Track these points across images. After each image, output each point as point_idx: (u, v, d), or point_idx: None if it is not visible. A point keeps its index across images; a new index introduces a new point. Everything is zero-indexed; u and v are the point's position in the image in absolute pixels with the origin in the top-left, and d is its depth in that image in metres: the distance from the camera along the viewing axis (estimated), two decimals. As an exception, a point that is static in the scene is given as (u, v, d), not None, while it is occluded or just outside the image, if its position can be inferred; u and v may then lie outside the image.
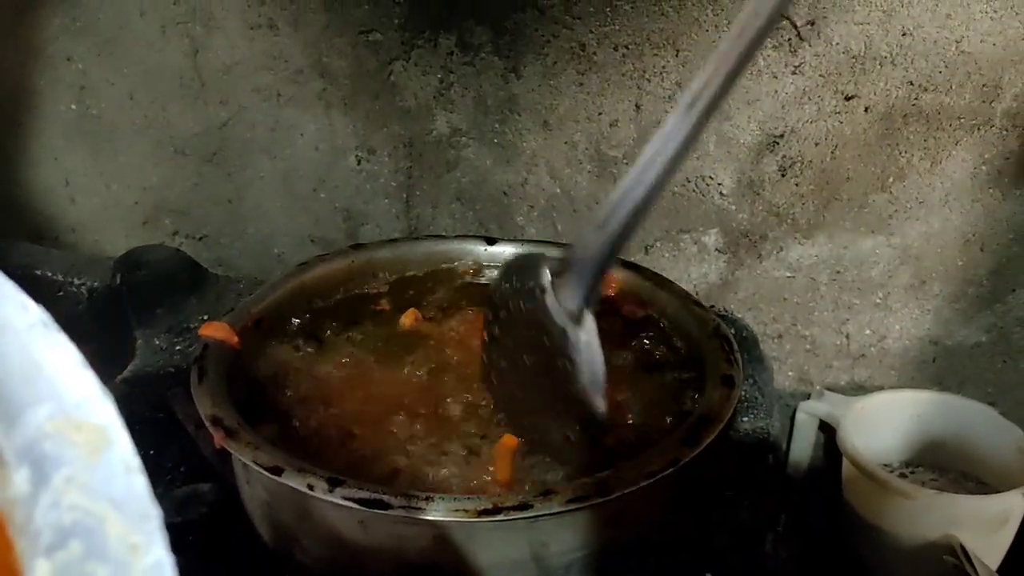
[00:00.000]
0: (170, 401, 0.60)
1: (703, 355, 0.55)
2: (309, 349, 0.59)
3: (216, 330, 0.55)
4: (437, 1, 0.79)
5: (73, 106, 0.91)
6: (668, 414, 0.53)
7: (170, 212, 0.95)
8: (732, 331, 0.64)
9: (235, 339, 0.56)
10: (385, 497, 0.44)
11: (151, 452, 0.56)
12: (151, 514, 0.18)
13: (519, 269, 0.49)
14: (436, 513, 0.43)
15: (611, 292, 0.64)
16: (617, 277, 0.64)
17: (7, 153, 0.95)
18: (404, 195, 0.87)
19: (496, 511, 0.43)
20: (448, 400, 0.54)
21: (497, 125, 0.82)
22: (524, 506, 0.44)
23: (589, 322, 0.45)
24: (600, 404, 0.45)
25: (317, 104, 0.86)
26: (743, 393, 0.63)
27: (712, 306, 0.78)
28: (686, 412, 0.52)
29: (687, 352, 0.57)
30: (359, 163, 0.87)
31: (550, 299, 0.46)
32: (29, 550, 0.17)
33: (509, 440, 0.49)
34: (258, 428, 0.49)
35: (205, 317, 0.71)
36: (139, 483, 0.18)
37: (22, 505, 0.17)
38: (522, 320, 0.48)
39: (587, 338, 0.45)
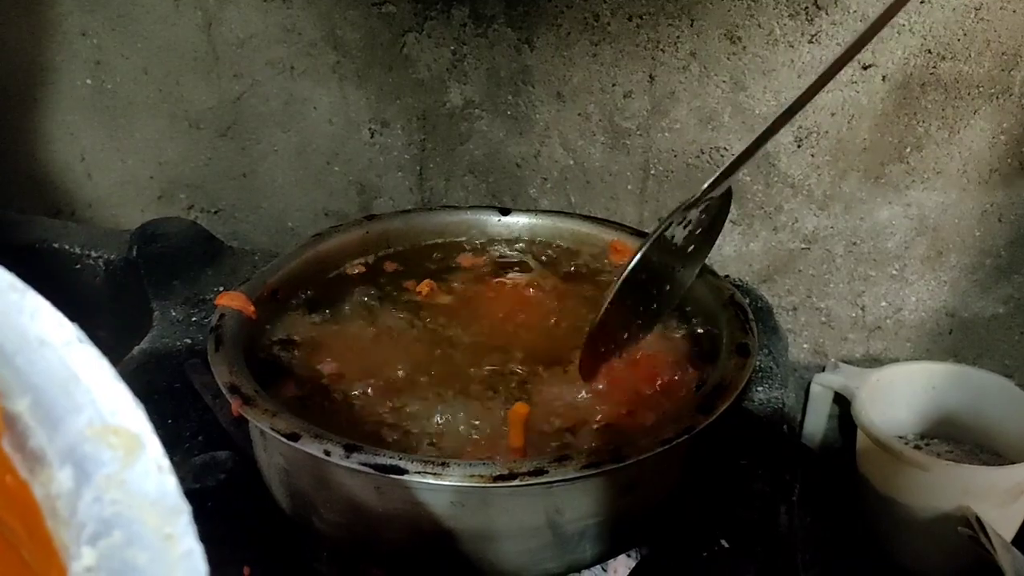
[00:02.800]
0: (187, 371, 0.60)
1: (718, 324, 0.55)
2: (324, 319, 0.59)
3: (232, 300, 0.56)
4: (450, -28, 0.78)
5: (88, 81, 0.91)
6: (683, 382, 0.53)
7: (185, 186, 0.95)
8: (747, 301, 0.64)
9: (251, 309, 0.56)
10: (401, 463, 0.44)
11: (169, 421, 0.57)
12: (182, 509, 0.20)
13: None
14: (452, 478, 0.44)
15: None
16: (631, 246, 0.64)
17: (24, 129, 0.95)
18: (418, 167, 0.87)
19: (511, 476, 0.43)
20: (462, 368, 0.54)
21: (510, 97, 0.82)
22: (539, 471, 0.44)
23: None
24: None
25: (331, 77, 0.85)
26: (758, 363, 0.63)
27: (727, 276, 0.77)
28: (701, 380, 0.52)
29: (702, 321, 0.57)
30: (372, 136, 0.87)
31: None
32: (73, 539, 0.19)
33: (521, 407, 0.49)
34: (274, 395, 0.50)
35: (220, 288, 0.71)
36: (170, 482, 0.20)
37: (65, 500, 0.20)
38: None
39: None
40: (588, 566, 0.49)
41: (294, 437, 0.46)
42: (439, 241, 0.68)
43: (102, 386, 0.21)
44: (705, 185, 0.57)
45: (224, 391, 0.49)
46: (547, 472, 0.44)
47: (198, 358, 0.62)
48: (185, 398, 0.59)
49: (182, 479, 0.32)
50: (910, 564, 0.76)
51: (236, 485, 0.51)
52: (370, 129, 0.87)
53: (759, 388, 0.62)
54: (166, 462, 0.21)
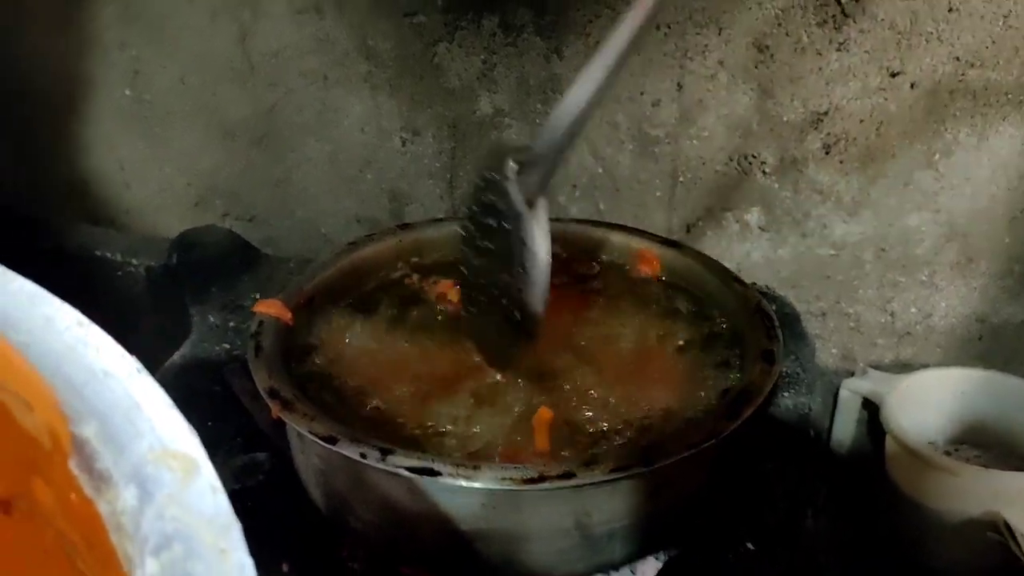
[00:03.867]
0: (226, 375, 0.63)
1: (744, 331, 0.56)
2: (359, 325, 0.62)
3: (270, 307, 0.58)
4: (480, -17, 0.81)
5: (127, 92, 0.95)
6: (711, 389, 0.54)
7: (221, 194, 0.98)
8: (774, 308, 0.66)
9: (288, 315, 0.58)
10: (435, 465, 0.46)
11: (209, 424, 0.60)
12: (234, 525, 0.22)
13: (489, 161, 0.53)
14: (483, 481, 0.46)
15: (654, 271, 0.65)
16: (660, 255, 0.65)
17: (65, 138, 0.99)
18: (448, 175, 0.90)
19: (541, 479, 0.46)
20: (489, 372, 0.56)
21: (539, 105, 0.84)
22: (568, 475, 0.46)
23: (541, 209, 0.51)
24: (538, 289, 0.50)
25: (363, 86, 0.88)
26: (785, 369, 0.65)
27: (754, 284, 0.78)
28: (728, 387, 0.53)
29: (729, 328, 0.59)
30: (404, 144, 0.90)
31: (512, 186, 0.51)
32: (138, 552, 0.22)
33: (545, 412, 0.51)
34: (311, 400, 0.52)
35: (257, 295, 0.74)
36: (223, 501, 0.23)
37: (130, 516, 0.22)
38: (489, 216, 0.53)
39: (538, 223, 0.50)
40: (616, 567, 0.51)
41: (331, 440, 0.48)
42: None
43: (160, 413, 0.24)
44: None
45: (264, 396, 0.51)
46: (575, 475, 0.46)
47: (236, 363, 0.65)
48: (225, 401, 0.61)
49: (223, 480, 0.35)
50: (939, 568, 0.76)
51: (275, 485, 0.54)
52: (401, 137, 0.89)
53: (785, 394, 0.63)
54: (219, 484, 0.23)
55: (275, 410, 0.50)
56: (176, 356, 0.68)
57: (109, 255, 0.82)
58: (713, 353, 0.57)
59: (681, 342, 0.59)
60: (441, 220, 0.74)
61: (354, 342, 0.60)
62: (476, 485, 0.46)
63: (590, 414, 0.53)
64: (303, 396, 0.51)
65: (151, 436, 0.24)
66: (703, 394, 0.54)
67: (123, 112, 0.96)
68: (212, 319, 0.73)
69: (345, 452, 0.47)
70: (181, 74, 0.93)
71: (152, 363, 0.66)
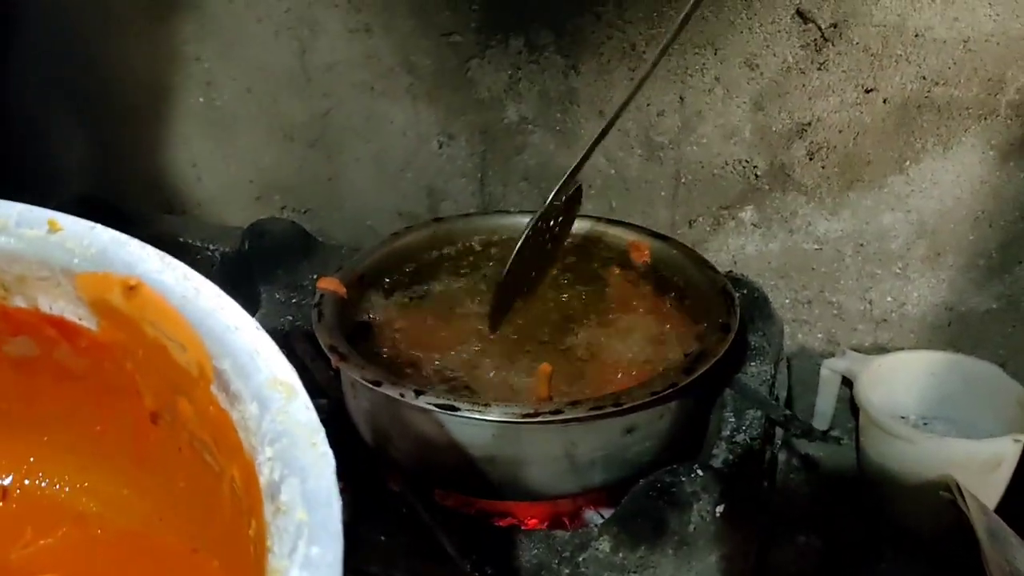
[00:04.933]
0: (291, 341, 0.81)
1: (710, 308, 0.73)
2: (400, 299, 0.80)
3: (329, 283, 0.76)
4: (508, 8, 0.98)
5: (200, 99, 1.14)
6: (677, 351, 0.71)
7: (279, 189, 1.17)
8: (744, 292, 0.82)
9: (343, 290, 0.76)
10: (456, 403, 0.64)
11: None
12: (320, 429, 0.34)
13: None
14: (492, 415, 0.63)
15: (645, 259, 0.82)
16: (650, 246, 0.82)
17: (146, 138, 1.19)
18: (479, 175, 1.07)
19: (536, 415, 0.63)
20: (505, 337, 0.74)
21: (559, 114, 1.01)
22: (556, 411, 0.63)
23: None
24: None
25: (405, 96, 1.06)
26: (752, 343, 0.81)
27: (729, 271, 0.95)
28: (689, 351, 0.70)
29: (700, 305, 0.76)
30: (440, 147, 1.07)
31: None
32: (259, 443, 0.33)
33: (546, 367, 0.68)
34: (361, 354, 0.70)
35: (315, 276, 0.92)
36: (313, 413, 0.34)
37: (254, 420, 0.34)
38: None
39: None
40: (597, 489, 0.68)
41: (377, 384, 0.66)
42: (495, 239, 0.88)
43: (272, 356, 0.36)
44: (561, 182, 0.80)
45: (325, 351, 0.69)
46: (562, 412, 0.63)
47: (299, 331, 0.83)
48: (289, 360, 0.80)
49: None
50: (901, 524, 0.92)
51: (331, 425, 0.72)
52: (438, 141, 1.07)
53: (752, 364, 0.79)
54: (310, 402, 0.35)
55: (335, 361, 0.68)
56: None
57: (190, 241, 1.01)
58: (685, 323, 0.75)
59: (661, 313, 0.76)
60: (470, 214, 0.92)
61: (394, 311, 0.78)
62: (487, 419, 0.63)
63: (582, 366, 0.71)
64: (355, 351, 0.69)
65: (266, 370, 0.35)
66: (670, 355, 0.71)
67: (196, 116, 1.16)
68: (278, 296, 0.92)
69: (388, 392, 0.65)
70: (247, 84, 1.12)
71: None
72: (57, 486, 0.49)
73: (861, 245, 0.97)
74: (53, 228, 0.41)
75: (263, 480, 0.33)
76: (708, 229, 1.01)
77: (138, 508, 0.48)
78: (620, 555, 0.62)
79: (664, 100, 0.97)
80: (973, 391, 0.95)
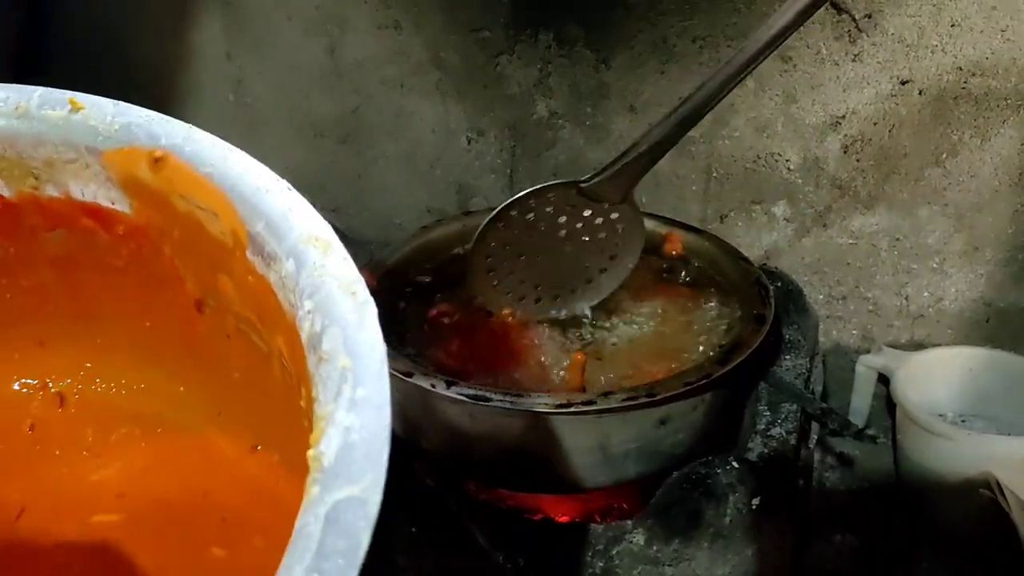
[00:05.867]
0: (322, 333, 0.82)
1: (744, 300, 0.73)
2: (428, 292, 0.80)
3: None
4: (538, 2, 0.98)
5: (231, 97, 1.15)
6: (712, 343, 0.71)
7: (309, 186, 1.16)
8: (778, 284, 0.82)
9: (374, 284, 0.77)
10: (488, 393, 0.64)
11: (310, 370, 0.79)
12: (360, 280, 0.34)
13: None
14: (524, 406, 0.63)
15: (677, 251, 0.82)
16: (682, 238, 0.82)
17: (176, 137, 1.20)
18: (508, 171, 1.08)
19: (569, 405, 0.63)
20: (536, 327, 0.74)
21: (589, 109, 1.01)
22: (589, 402, 0.63)
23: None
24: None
25: (434, 93, 1.06)
26: (787, 336, 0.81)
27: (763, 264, 0.94)
28: (723, 342, 0.70)
29: (734, 297, 0.75)
30: (469, 143, 1.08)
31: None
32: (297, 298, 0.34)
33: (580, 356, 0.69)
34: (391, 345, 0.70)
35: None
36: (351, 265, 0.34)
37: (291, 277, 0.35)
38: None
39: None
40: (631, 481, 0.68)
41: (408, 375, 0.66)
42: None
43: (306, 214, 0.37)
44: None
45: (357, 342, 0.70)
46: (595, 403, 0.63)
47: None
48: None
49: None
50: (940, 523, 0.91)
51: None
52: (467, 137, 1.07)
53: (787, 356, 0.79)
54: (348, 255, 0.35)
55: (365, 353, 0.69)
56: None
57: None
58: (719, 315, 0.74)
59: (696, 306, 0.76)
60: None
61: (424, 304, 0.78)
62: (519, 409, 0.63)
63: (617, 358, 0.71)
64: (385, 342, 0.70)
65: (300, 228, 0.36)
66: (704, 347, 0.70)
67: (227, 114, 1.17)
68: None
69: (419, 383, 0.66)
70: (278, 81, 1.13)
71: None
72: (114, 389, 0.50)
73: (897, 239, 0.96)
74: (75, 107, 0.41)
75: (304, 335, 0.34)
76: (740, 224, 1.00)
77: (195, 405, 0.48)
78: (654, 548, 0.62)
79: (695, 94, 0.96)
80: (1012, 387, 0.94)
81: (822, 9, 0.89)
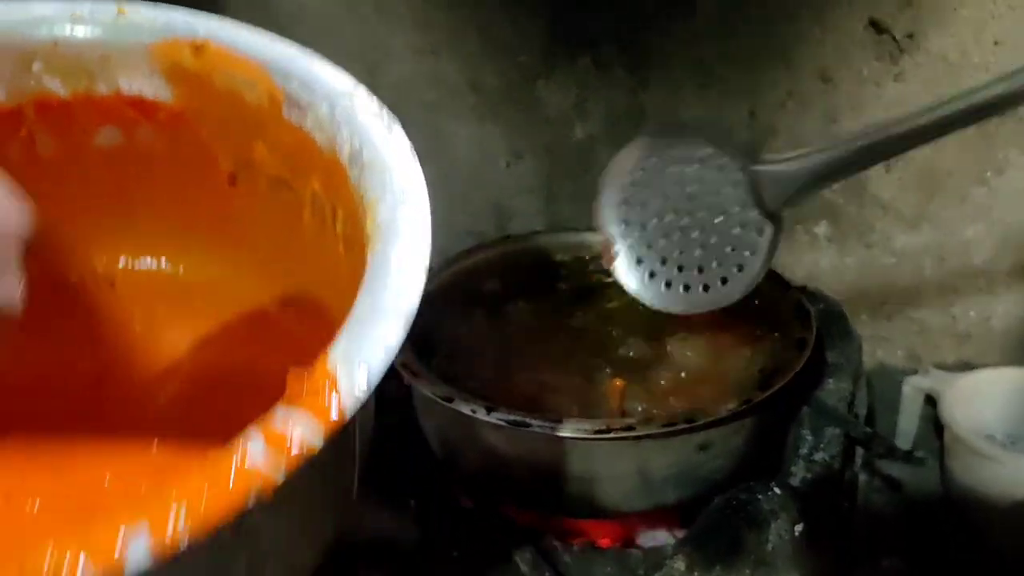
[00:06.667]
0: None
1: (786, 323, 0.73)
2: (471, 319, 0.81)
3: (399, 302, 0.78)
4: (574, 26, 0.99)
5: (272, 123, 1.18)
6: (754, 368, 0.71)
7: (349, 210, 1.20)
8: (821, 306, 0.82)
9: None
10: (527, 419, 0.65)
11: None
12: (381, 105, 0.46)
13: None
14: (564, 432, 0.64)
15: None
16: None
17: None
18: (546, 193, 1.08)
19: (608, 431, 0.63)
20: (578, 356, 0.74)
21: (627, 132, 1.01)
22: (629, 428, 0.63)
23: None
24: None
25: (471, 116, 1.08)
26: (830, 359, 0.80)
27: (804, 286, 0.94)
28: (764, 366, 0.70)
29: (775, 321, 0.75)
30: (508, 166, 1.09)
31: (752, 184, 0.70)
32: (335, 129, 0.44)
33: (619, 382, 0.69)
34: (431, 371, 0.71)
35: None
36: (373, 97, 0.47)
37: (325, 118, 0.44)
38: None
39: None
40: (671, 507, 0.68)
41: (448, 399, 0.67)
42: (564, 257, 0.89)
43: (330, 69, 0.47)
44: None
45: (398, 368, 0.71)
46: (635, 428, 0.63)
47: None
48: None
49: (359, 438, 0.55)
50: (991, 547, 0.89)
51: (403, 441, 0.73)
52: (506, 160, 1.08)
53: (830, 380, 0.79)
54: (374, 100, 0.46)
55: (406, 378, 0.70)
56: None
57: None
58: (760, 339, 0.74)
59: (735, 329, 0.76)
60: (536, 233, 0.93)
61: (466, 331, 0.79)
62: (558, 434, 0.64)
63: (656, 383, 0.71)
64: (425, 368, 0.71)
65: (328, 79, 0.46)
66: (746, 372, 0.70)
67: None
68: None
69: (459, 408, 0.66)
70: (318, 107, 1.15)
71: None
72: (159, 266, 0.57)
73: (942, 259, 0.95)
74: (122, 12, 0.49)
75: (345, 156, 0.42)
76: (782, 244, 0.99)
77: (233, 275, 0.55)
78: (695, 574, 0.62)
79: (734, 116, 0.97)
80: (1065, 410, 0.92)
81: (862, 30, 0.90)
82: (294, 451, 0.31)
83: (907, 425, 0.99)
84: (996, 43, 0.86)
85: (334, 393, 0.33)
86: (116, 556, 0.27)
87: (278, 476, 0.30)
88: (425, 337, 0.79)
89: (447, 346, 0.78)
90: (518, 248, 0.89)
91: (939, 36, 0.88)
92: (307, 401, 0.33)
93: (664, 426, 0.63)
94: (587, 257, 0.89)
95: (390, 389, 0.80)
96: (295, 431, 0.32)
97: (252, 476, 0.30)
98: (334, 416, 0.33)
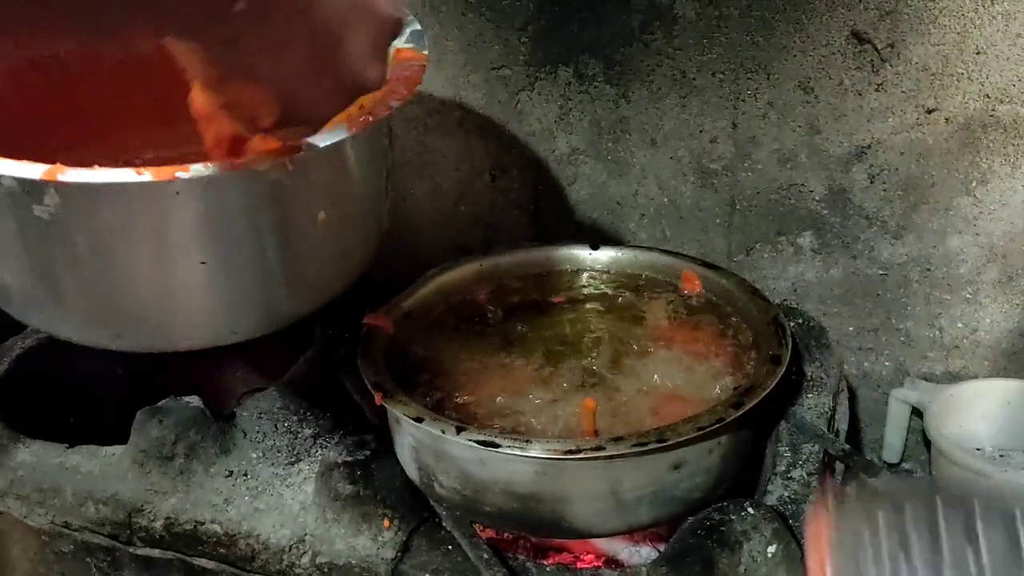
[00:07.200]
0: (341, 375, 0.83)
1: (761, 339, 0.72)
2: (446, 334, 0.81)
3: (375, 319, 0.78)
4: (556, 40, 0.99)
5: (259, 138, 1.18)
6: (727, 385, 0.71)
7: (336, 225, 1.19)
8: (800, 321, 0.81)
9: (390, 326, 0.78)
10: (497, 439, 0.64)
11: (328, 412, 0.80)
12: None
13: None
14: (534, 452, 0.63)
15: (694, 288, 0.82)
16: (699, 275, 0.82)
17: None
18: (532, 207, 1.08)
19: (578, 451, 0.63)
20: (550, 374, 0.74)
21: (610, 144, 1.01)
22: (599, 448, 0.63)
23: None
24: None
25: (457, 130, 1.07)
26: (809, 373, 0.79)
27: (784, 301, 0.93)
28: (738, 384, 0.69)
29: (750, 337, 0.75)
30: (493, 180, 1.08)
31: None
32: None
33: (590, 402, 0.68)
34: (406, 391, 0.71)
35: (366, 310, 0.94)
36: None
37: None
38: None
39: None
40: (645, 527, 0.68)
41: (420, 420, 0.67)
42: (541, 272, 0.88)
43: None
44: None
45: (370, 387, 0.71)
46: (604, 448, 0.63)
47: (349, 366, 0.85)
48: (340, 395, 0.81)
49: (338, 454, 0.54)
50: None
51: (378, 459, 0.73)
52: (491, 174, 1.08)
53: (809, 396, 0.78)
54: None
55: (378, 398, 0.70)
56: (302, 361, 0.88)
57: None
58: (736, 355, 0.74)
59: (711, 346, 0.76)
60: (515, 248, 0.92)
61: (440, 346, 0.79)
62: (528, 455, 0.63)
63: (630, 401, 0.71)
64: (399, 387, 0.71)
65: None
66: (720, 389, 0.70)
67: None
68: (330, 332, 0.94)
69: (430, 429, 0.66)
70: (304, 122, 1.15)
71: (284, 368, 0.86)
72: None
73: (928, 270, 0.94)
74: None
75: None
76: (766, 256, 0.99)
77: None
78: (668, 596, 0.62)
79: (717, 126, 0.96)
80: (1054, 422, 0.91)
81: (843, 40, 0.89)
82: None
83: (894, 438, 0.99)
84: (978, 52, 0.86)
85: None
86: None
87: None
88: (402, 354, 0.78)
89: (424, 364, 0.78)
90: (497, 263, 0.89)
91: (920, 46, 0.87)
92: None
93: (635, 446, 0.63)
94: (568, 270, 0.88)
95: (366, 407, 0.80)
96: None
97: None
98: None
